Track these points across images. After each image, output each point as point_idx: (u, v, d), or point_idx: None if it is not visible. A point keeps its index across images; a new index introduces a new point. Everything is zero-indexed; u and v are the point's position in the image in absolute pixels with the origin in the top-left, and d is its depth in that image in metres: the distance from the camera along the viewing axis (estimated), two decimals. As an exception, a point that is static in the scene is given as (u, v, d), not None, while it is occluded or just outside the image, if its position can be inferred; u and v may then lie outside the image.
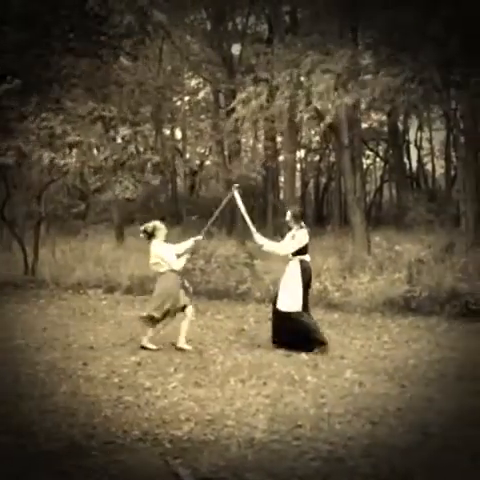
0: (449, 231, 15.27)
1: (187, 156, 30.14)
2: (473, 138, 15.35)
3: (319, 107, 14.26)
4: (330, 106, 13.39)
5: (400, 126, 29.28)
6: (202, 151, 32.05)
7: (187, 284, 8.74)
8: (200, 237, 8.80)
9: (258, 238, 8.60)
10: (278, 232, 19.66)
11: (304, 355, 7.92)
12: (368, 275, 11.75)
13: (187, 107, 27.30)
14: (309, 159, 32.64)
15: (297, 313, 8.16)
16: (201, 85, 27.32)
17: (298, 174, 30.01)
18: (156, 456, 4.69)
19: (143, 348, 8.28)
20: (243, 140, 27.87)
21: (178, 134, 29.60)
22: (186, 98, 27.86)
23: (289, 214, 8.53)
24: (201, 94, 28.41)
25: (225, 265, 13.24)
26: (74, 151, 14.13)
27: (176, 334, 8.43)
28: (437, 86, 14.88)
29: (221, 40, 21.67)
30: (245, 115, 14.23)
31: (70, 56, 13.54)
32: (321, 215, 31.44)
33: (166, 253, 8.47)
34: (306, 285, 8.31)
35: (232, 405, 5.88)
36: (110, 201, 20.50)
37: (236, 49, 23.53)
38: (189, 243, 8.74)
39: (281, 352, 8.19)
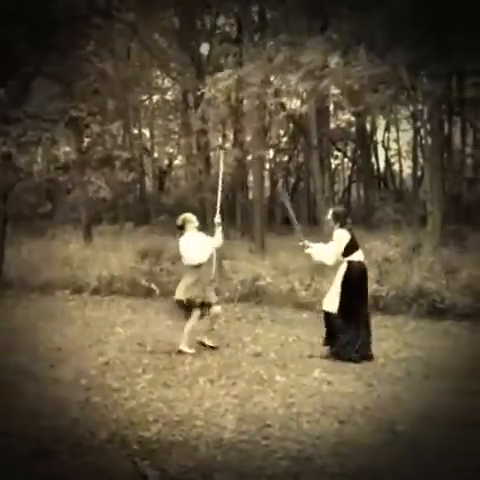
0: (416, 231, 15.42)
1: (155, 155, 30.01)
2: (439, 139, 15.54)
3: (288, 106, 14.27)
4: (299, 104, 13.42)
5: (368, 127, 29.52)
6: (171, 150, 31.97)
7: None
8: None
9: (310, 250, 8.17)
10: (246, 232, 19.71)
11: (273, 355, 7.94)
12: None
13: (155, 106, 27.18)
14: (278, 159, 32.72)
15: (334, 314, 7.79)
16: (170, 84, 27.23)
17: (267, 174, 30.07)
18: (124, 458, 4.66)
19: (180, 352, 8.12)
20: (212, 140, 27.83)
21: (147, 133, 29.46)
22: (155, 97, 27.75)
23: (330, 213, 8.01)
24: (170, 93, 28.32)
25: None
26: (39, 150, 13.96)
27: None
28: (405, 87, 15.01)
29: (189, 39, 21.61)
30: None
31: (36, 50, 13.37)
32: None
33: (182, 246, 8.28)
34: (353, 287, 7.71)
35: (201, 405, 5.87)
36: (78, 201, 20.30)
37: (205, 48, 23.49)
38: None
39: (249, 351, 8.20)
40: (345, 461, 4.56)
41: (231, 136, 26.47)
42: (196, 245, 8.15)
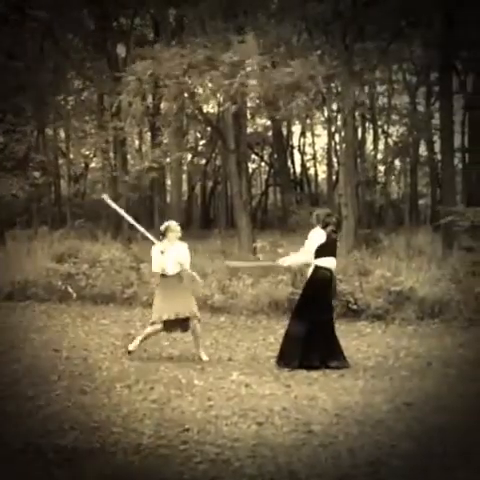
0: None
1: (71, 157, 29.44)
2: (353, 145, 15.94)
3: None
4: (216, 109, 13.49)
5: (284, 131, 29.94)
6: (87, 153, 31.43)
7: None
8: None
9: (281, 261, 7.91)
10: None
11: (190, 358, 7.94)
12: (253, 278, 11.92)
13: (70, 107, 26.67)
14: (195, 162, 32.74)
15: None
16: (86, 85, 26.76)
17: (184, 177, 30.02)
18: (39, 467, 4.55)
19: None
20: (129, 142, 27.55)
21: (62, 135, 28.85)
22: (70, 98, 27.20)
23: (314, 215, 7.74)
24: (85, 94, 27.82)
25: (110, 269, 13.03)
26: None
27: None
28: (321, 92, 15.35)
29: (105, 40, 21.32)
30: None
31: None
32: (208, 218, 31.62)
33: (153, 254, 8.09)
34: (313, 293, 7.51)
35: (118, 411, 5.80)
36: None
37: (121, 50, 23.23)
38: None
39: (167, 356, 8.18)
40: (263, 462, 4.61)
41: (148, 138, 26.29)
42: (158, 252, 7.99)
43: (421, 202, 27.29)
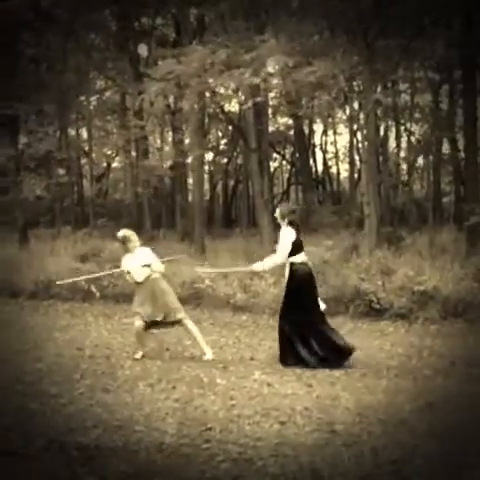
0: (353, 233, 15.67)
1: (93, 156, 29.62)
2: (375, 143, 15.82)
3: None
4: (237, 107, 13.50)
5: (306, 130, 29.85)
6: (109, 152, 31.58)
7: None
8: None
9: (256, 266, 7.88)
10: (186, 235, 19.66)
11: (213, 357, 7.95)
12: (275, 277, 11.88)
13: (92, 107, 26.83)
14: (217, 161, 32.76)
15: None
16: (108, 85, 26.91)
17: (206, 176, 30.05)
18: (62, 465, 4.58)
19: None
20: (151, 142, 27.64)
21: (84, 135, 29.03)
22: (92, 98, 27.37)
23: (277, 211, 7.91)
24: (107, 94, 27.96)
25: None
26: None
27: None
28: (343, 91, 15.27)
29: (127, 39, 21.42)
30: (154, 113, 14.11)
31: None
32: (229, 217, 31.61)
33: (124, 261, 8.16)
34: (296, 290, 7.56)
35: (141, 410, 5.83)
36: (13, 203, 19.89)
37: (143, 49, 23.32)
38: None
39: (189, 355, 8.19)
40: (285, 461, 4.60)
41: (170, 138, 26.35)
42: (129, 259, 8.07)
43: (445, 200, 27.03)
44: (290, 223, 7.73)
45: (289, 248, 7.59)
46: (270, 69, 13.27)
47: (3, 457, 4.70)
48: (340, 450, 4.81)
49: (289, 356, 7.59)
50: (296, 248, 7.63)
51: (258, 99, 14.02)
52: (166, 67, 13.93)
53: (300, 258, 7.65)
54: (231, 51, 13.37)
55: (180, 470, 4.51)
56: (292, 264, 7.61)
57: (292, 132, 29.18)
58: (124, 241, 8.11)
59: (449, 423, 5.38)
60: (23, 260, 14.65)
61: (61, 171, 21.08)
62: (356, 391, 6.39)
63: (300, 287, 7.59)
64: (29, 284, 13.18)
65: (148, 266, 7.94)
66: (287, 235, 7.65)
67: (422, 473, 4.39)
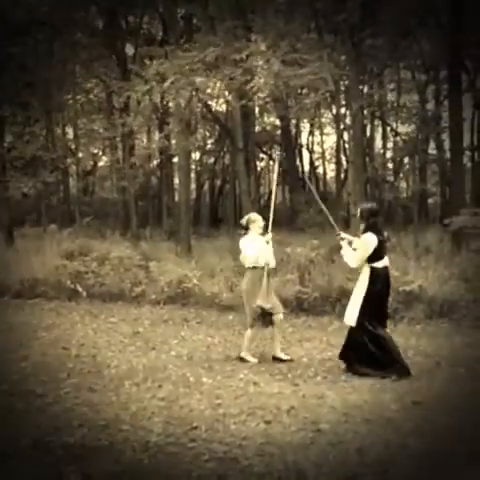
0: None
1: (80, 155, 29.51)
2: (361, 143, 15.88)
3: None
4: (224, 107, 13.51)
5: (292, 130, 29.91)
6: (95, 151, 31.49)
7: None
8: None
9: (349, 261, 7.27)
10: (172, 234, 19.63)
11: (199, 356, 7.95)
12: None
13: (78, 106, 26.73)
14: (204, 161, 32.76)
15: (352, 328, 7.19)
16: (94, 83, 26.82)
17: (193, 176, 30.05)
18: (48, 464, 4.57)
19: (241, 360, 7.80)
20: (137, 141, 27.58)
21: (70, 133, 28.93)
22: (78, 96, 27.26)
23: (358, 211, 7.28)
24: (94, 92, 27.89)
25: (119, 267, 13.06)
26: None
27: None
28: (330, 91, 15.30)
29: (114, 38, 21.35)
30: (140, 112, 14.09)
31: None
32: (216, 217, 31.62)
33: (244, 247, 7.84)
34: (376, 296, 7.08)
35: (127, 409, 5.82)
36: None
37: (130, 49, 23.29)
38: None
39: (175, 354, 8.18)
40: (271, 460, 4.61)
41: (156, 137, 26.31)
42: (251, 245, 7.77)
43: (430, 201, 27.18)
44: (371, 227, 7.12)
45: (366, 257, 7.05)
46: (258, 68, 13.28)
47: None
48: (326, 449, 4.82)
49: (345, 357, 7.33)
50: (379, 254, 7.05)
51: (244, 102, 14.02)
52: (155, 67, 13.92)
53: (382, 263, 7.12)
54: (218, 50, 13.37)
55: (166, 469, 4.51)
56: (374, 269, 7.08)
57: (279, 132, 29.23)
58: (248, 223, 7.84)
59: (435, 423, 5.41)
60: (9, 259, 14.56)
61: (47, 170, 20.97)
62: (342, 390, 6.42)
63: (381, 291, 7.18)
64: (15, 283, 13.10)
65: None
66: (368, 243, 7.03)
67: (408, 473, 4.42)
